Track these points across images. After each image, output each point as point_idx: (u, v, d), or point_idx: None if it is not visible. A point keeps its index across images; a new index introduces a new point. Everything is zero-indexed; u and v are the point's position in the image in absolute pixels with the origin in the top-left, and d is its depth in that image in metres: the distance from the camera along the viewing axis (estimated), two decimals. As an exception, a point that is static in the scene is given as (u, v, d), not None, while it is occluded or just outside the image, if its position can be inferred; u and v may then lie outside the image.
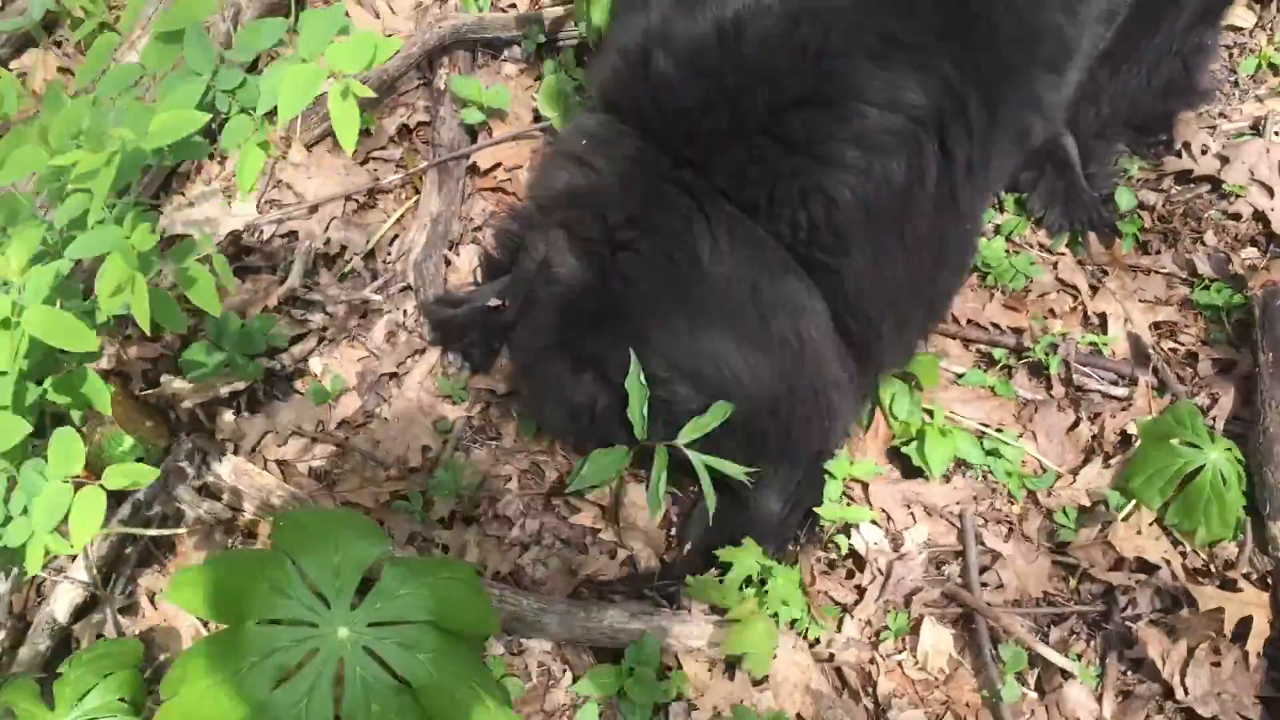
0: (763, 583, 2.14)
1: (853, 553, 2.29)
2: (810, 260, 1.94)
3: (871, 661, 2.17)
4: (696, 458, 1.95)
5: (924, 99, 1.80)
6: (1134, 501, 2.28)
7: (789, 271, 1.94)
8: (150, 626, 2.21)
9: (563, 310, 2.04)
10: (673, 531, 2.34)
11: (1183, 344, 2.57)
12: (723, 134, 1.88)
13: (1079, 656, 2.17)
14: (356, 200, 2.76)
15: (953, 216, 1.99)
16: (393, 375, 2.52)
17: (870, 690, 2.15)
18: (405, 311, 2.60)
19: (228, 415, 2.44)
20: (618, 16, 2.19)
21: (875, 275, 1.98)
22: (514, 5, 3.09)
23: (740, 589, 2.15)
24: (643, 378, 1.93)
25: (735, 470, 1.99)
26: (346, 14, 3.05)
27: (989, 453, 2.38)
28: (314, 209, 2.71)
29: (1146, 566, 2.26)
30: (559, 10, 2.96)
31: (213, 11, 1.63)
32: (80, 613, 2.20)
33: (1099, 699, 2.11)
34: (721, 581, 2.14)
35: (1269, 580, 2.19)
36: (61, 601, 2.17)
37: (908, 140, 1.80)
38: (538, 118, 2.90)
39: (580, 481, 2.02)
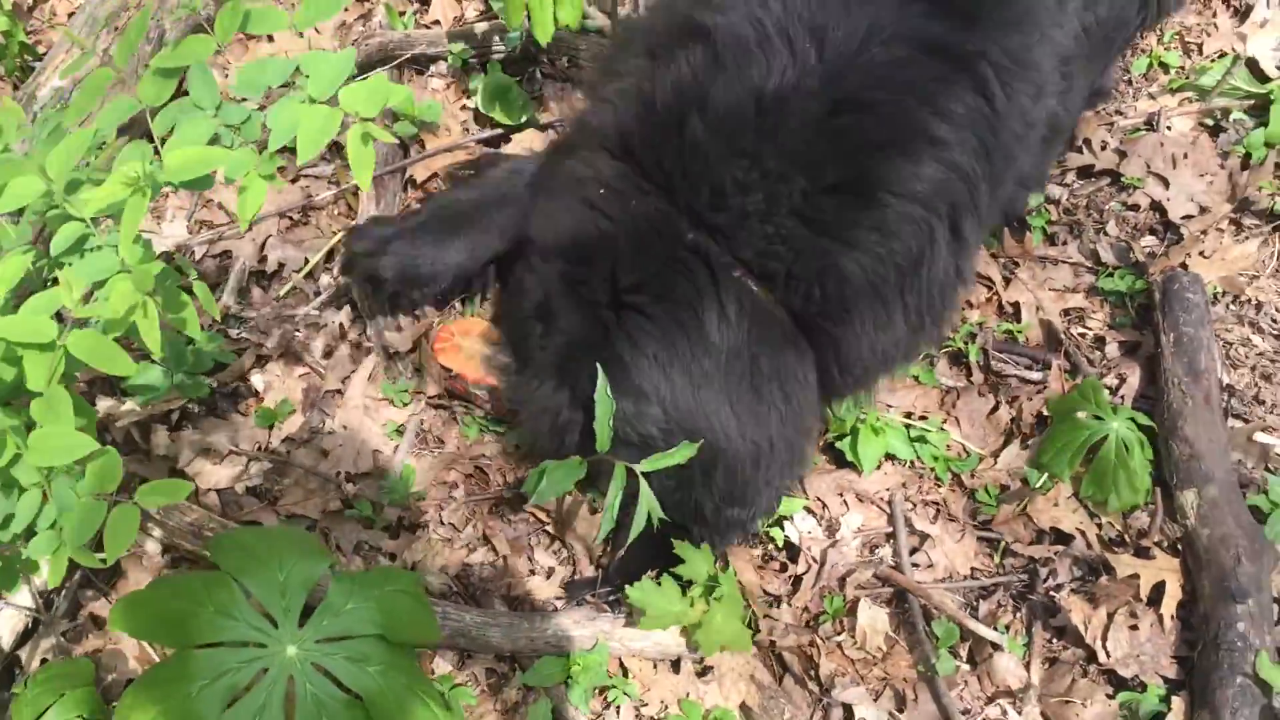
0: (711, 589, 2.17)
1: (788, 544, 2.38)
2: (813, 326, 2.04)
3: (812, 644, 2.26)
4: (646, 490, 1.97)
5: (944, 191, 1.93)
6: (1050, 477, 2.39)
7: (788, 345, 2.02)
8: (95, 649, 2.21)
9: (562, 355, 2.07)
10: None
11: (1091, 329, 2.71)
12: (755, 210, 1.93)
13: (1007, 628, 2.28)
14: (290, 217, 2.78)
15: (952, 283, 2.12)
16: (337, 392, 2.54)
17: (813, 673, 2.23)
18: (342, 325, 2.63)
19: (162, 434, 2.44)
20: (641, 62, 2.15)
21: (871, 339, 2.08)
22: (437, 22, 3.15)
23: (685, 595, 2.17)
24: (609, 391, 1.96)
25: (657, 512, 2.03)
26: (270, 38, 3.08)
27: (916, 439, 2.48)
28: (249, 228, 2.73)
29: (1064, 538, 2.38)
30: (484, 25, 3.01)
31: (212, 53, 1.65)
32: (23, 638, 2.19)
33: (1027, 666, 2.22)
34: (659, 583, 2.16)
35: (1179, 547, 2.33)
36: (4, 627, 2.16)
37: (923, 227, 1.94)
38: (467, 129, 2.96)
39: (539, 496, 2.06)
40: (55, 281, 1.73)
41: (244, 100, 1.70)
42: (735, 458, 2.07)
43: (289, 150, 1.72)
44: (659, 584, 2.16)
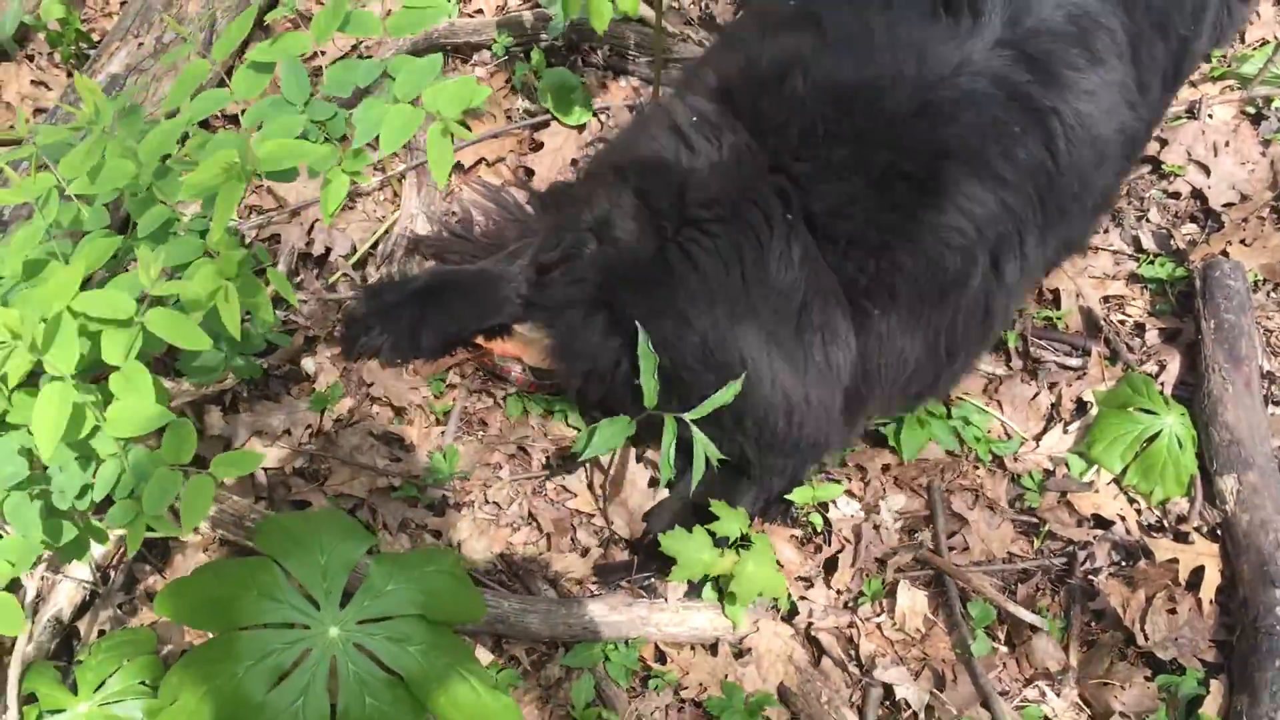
0: (743, 545, 2.23)
1: (827, 526, 2.41)
2: (858, 305, 2.07)
3: (851, 625, 2.29)
4: (698, 434, 2.04)
5: (993, 223, 2.01)
6: (1094, 466, 2.42)
7: (839, 305, 2.05)
8: (151, 622, 2.27)
9: (609, 270, 2.10)
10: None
11: (1130, 315, 2.72)
12: (838, 167, 1.99)
13: (1045, 610, 2.29)
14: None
15: (978, 317, 2.15)
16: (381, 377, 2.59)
17: (853, 653, 2.26)
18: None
19: (216, 414, 2.50)
20: (748, 36, 2.25)
21: (902, 340, 2.11)
22: (481, 11, 3.18)
23: (717, 547, 2.22)
24: (651, 346, 2.01)
25: (715, 454, 2.10)
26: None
27: (959, 420, 2.50)
28: (295, 213, 2.78)
29: (1104, 523, 2.40)
30: (529, 14, 3.05)
31: (307, 51, 1.70)
32: (80, 611, 2.25)
33: (1065, 649, 2.24)
34: (690, 531, 2.21)
35: (1218, 532, 2.34)
36: (64, 599, 2.22)
37: (969, 249, 2.01)
38: (510, 116, 3.00)
39: (591, 450, 2.11)
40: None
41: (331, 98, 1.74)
42: (766, 404, 2.10)
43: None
44: (690, 534, 2.21)
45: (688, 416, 2.07)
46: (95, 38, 3.06)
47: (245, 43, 3.05)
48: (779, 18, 2.24)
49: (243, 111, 1.78)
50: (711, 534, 2.22)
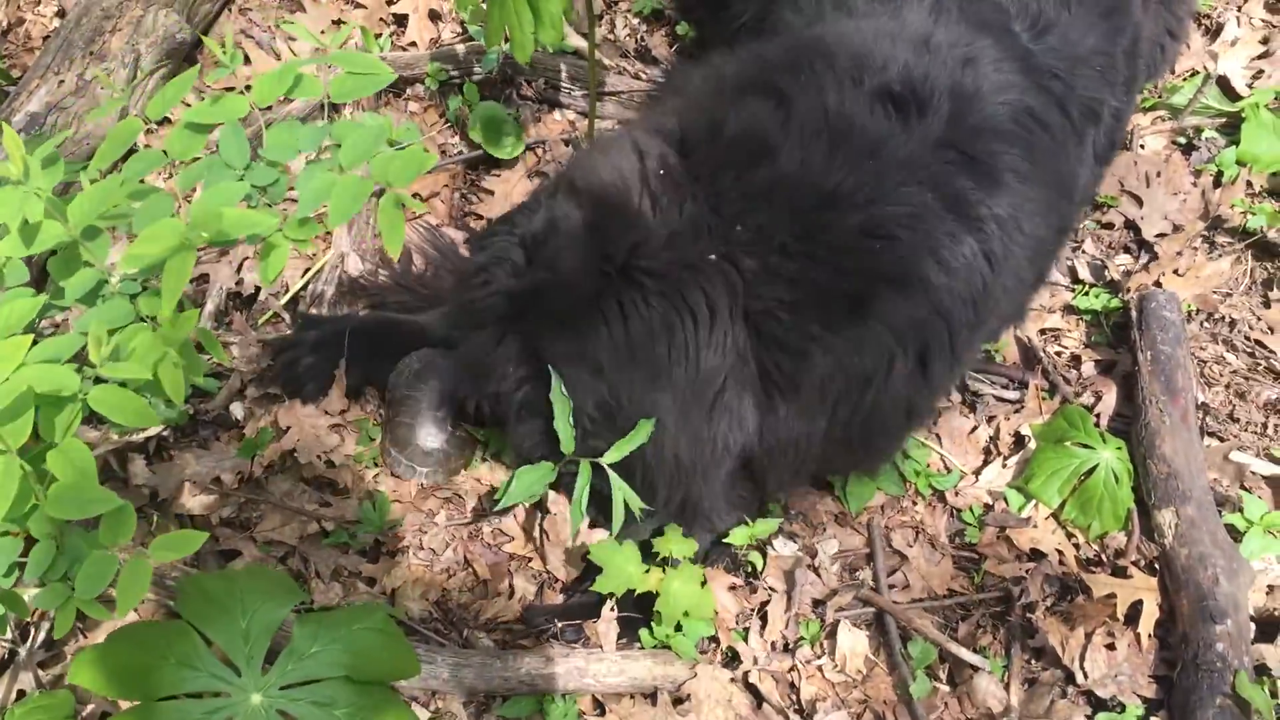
0: (666, 562, 2.23)
1: (767, 568, 2.38)
2: (767, 393, 2.11)
3: (791, 669, 2.26)
4: (616, 480, 2.02)
5: (920, 330, 2.08)
6: (1032, 500, 2.41)
7: (751, 393, 2.09)
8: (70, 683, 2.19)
9: (535, 296, 2.09)
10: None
11: (1067, 347, 2.73)
12: (784, 278, 2.02)
13: (986, 649, 2.28)
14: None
15: (898, 415, 2.21)
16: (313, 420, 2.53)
17: (794, 698, 2.23)
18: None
19: (140, 463, 2.42)
20: (706, 90, 2.32)
21: (800, 426, 2.15)
22: (414, 44, 3.14)
23: (642, 563, 2.23)
24: (564, 390, 2.01)
25: (636, 503, 2.08)
26: (246, 59, 3.08)
27: (900, 453, 2.49)
28: (224, 251, 2.72)
29: (1041, 558, 2.39)
30: (461, 47, 3.02)
31: (245, 113, 1.66)
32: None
33: (1006, 687, 2.22)
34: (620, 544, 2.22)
35: (1156, 565, 2.34)
36: (-20, 659, 2.14)
37: (884, 354, 2.08)
38: (444, 151, 2.96)
39: (509, 498, 2.10)
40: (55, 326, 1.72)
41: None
42: (655, 465, 2.13)
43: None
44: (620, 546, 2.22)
45: (603, 460, 2.05)
46: (15, 74, 2.98)
47: (169, 80, 3.00)
48: (736, 80, 2.26)
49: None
50: (654, 554, 2.23)
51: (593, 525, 2.41)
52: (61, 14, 3.14)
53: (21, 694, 2.15)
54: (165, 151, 1.66)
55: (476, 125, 2.91)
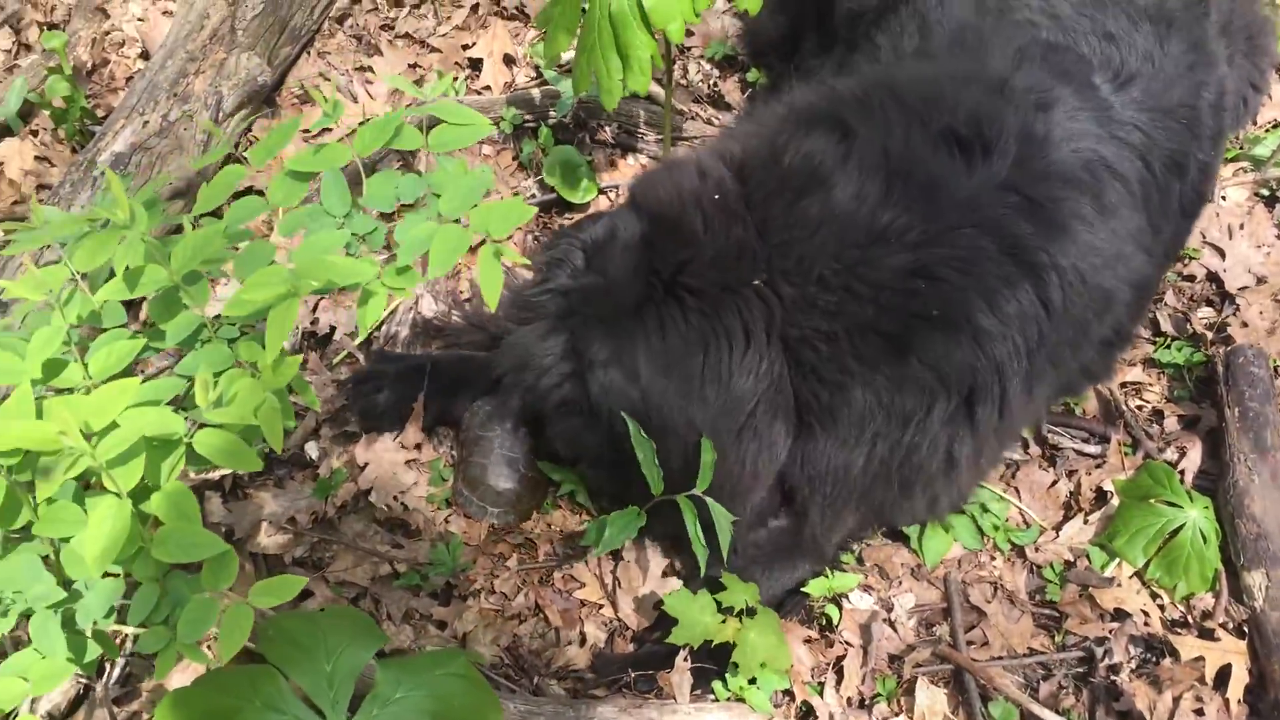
0: (748, 614, 2.19)
1: (843, 621, 2.34)
2: (805, 421, 2.13)
3: (867, 726, 2.21)
4: (719, 510, 2.02)
5: (967, 375, 2.05)
6: (1116, 559, 2.36)
7: (784, 420, 2.10)
8: (147, 713, 2.19)
9: (586, 296, 2.13)
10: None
11: (1148, 401, 2.67)
12: (822, 309, 2.03)
13: (1069, 711, 2.22)
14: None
15: (937, 460, 2.16)
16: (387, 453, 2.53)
17: (869, 754, 2.19)
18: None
19: (216, 501, 2.44)
20: (777, 117, 2.31)
21: (840, 457, 2.14)
22: (488, 88, 3.17)
23: (718, 614, 2.19)
24: (643, 433, 2.02)
25: (726, 521, 2.07)
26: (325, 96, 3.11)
27: (978, 506, 2.46)
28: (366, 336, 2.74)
29: (1125, 618, 2.33)
30: (536, 91, 3.04)
31: (347, 162, 1.69)
32: (74, 706, 2.18)
33: (1091, 752, 2.16)
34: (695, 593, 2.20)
35: (1245, 629, 2.27)
36: (58, 694, 2.14)
37: (926, 395, 2.06)
38: (517, 192, 2.98)
39: (604, 545, 2.10)
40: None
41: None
42: (681, 479, 2.12)
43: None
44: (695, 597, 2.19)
45: (698, 490, 2.05)
46: (100, 114, 3.05)
47: (251, 121, 3.05)
48: (805, 111, 2.27)
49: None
50: (718, 603, 2.19)
51: (666, 572, 2.40)
52: (145, 56, 3.21)
53: (95, 730, 2.16)
54: (266, 198, 1.68)
55: (554, 170, 2.93)
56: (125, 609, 1.57)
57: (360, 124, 3.05)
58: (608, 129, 3.07)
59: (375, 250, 1.64)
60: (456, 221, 1.56)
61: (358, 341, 2.68)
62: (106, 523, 1.37)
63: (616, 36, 2.23)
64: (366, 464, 2.46)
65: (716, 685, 2.20)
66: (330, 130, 3.06)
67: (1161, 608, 2.35)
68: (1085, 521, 2.47)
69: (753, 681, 2.18)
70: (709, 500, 2.03)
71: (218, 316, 1.68)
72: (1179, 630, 2.31)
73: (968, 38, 2.49)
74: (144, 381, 1.70)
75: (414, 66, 3.22)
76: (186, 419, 1.52)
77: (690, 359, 2.05)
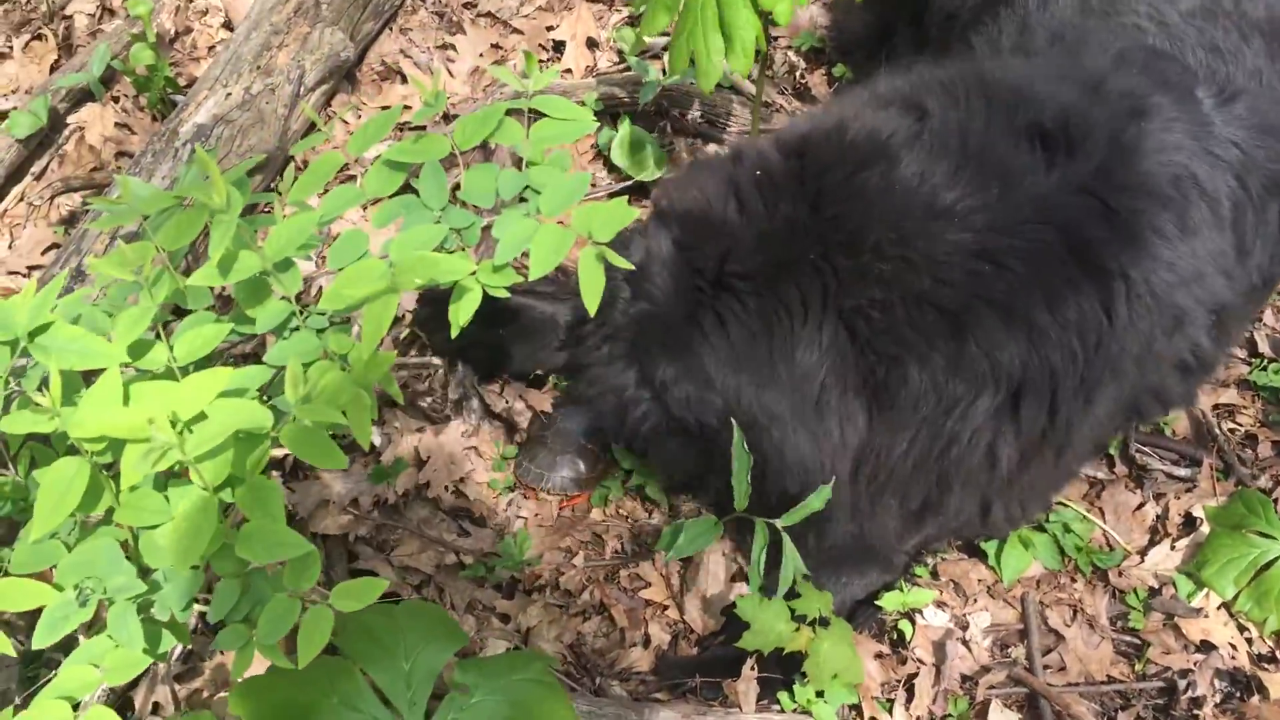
0: (821, 623, 2.12)
1: (915, 637, 2.27)
2: (869, 399, 2.03)
3: (938, 747, 2.15)
4: (789, 547, 1.94)
5: (1017, 371, 1.95)
6: (1204, 589, 2.27)
7: (855, 394, 2.01)
8: (207, 696, 2.18)
9: (641, 324, 2.08)
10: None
11: (1241, 425, 2.57)
12: (877, 278, 1.94)
13: (1148, 744, 2.14)
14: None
15: (977, 455, 2.05)
16: (446, 436, 2.50)
17: (938, 776, 2.12)
18: (461, 371, 2.59)
19: (275, 479, 2.40)
20: (870, 99, 2.22)
21: (893, 440, 2.05)
22: (569, 71, 3.12)
23: (791, 622, 2.12)
24: (746, 445, 1.94)
25: (800, 567, 1.99)
26: (403, 77, 3.08)
27: (1060, 525, 2.38)
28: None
29: (1211, 650, 2.24)
30: (618, 75, 2.98)
31: (446, 154, 1.66)
32: (135, 680, 2.17)
33: (1172, 789, 2.09)
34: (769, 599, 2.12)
35: (1340, 670, 2.18)
36: (119, 668, 2.14)
37: (975, 383, 1.96)
38: (594, 184, 2.92)
39: (677, 551, 2.03)
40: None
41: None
42: (784, 466, 2.06)
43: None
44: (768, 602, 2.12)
45: (779, 523, 1.97)
46: (182, 83, 3.04)
47: (331, 95, 3.02)
48: (886, 93, 2.20)
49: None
50: (791, 610, 2.12)
51: (734, 577, 2.35)
52: (228, 25, 3.19)
53: (157, 706, 2.15)
54: (361, 186, 1.64)
55: (620, 148, 2.87)
56: (202, 600, 1.55)
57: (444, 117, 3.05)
58: (688, 117, 3.00)
59: (472, 246, 1.60)
60: (558, 221, 1.52)
61: (435, 351, 2.63)
62: (192, 518, 1.34)
63: (721, 14, 2.17)
64: (428, 456, 2.43)
65: (783, 696, 2.14)
66: (409, 108, 3.03)
67: (1250, 641, 2.25)
68: (1172, 548, 2.37)
69: (820, 694, 2.12)
70: (784, 533, 1.95)
71: (304, 305, 1.65)
72: (1267, 666, 2.22)
73: (1068, 37, 2.40)
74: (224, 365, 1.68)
75: (496, 47, 3.17)
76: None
77: (757, 345, 1.99)
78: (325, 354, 1.59)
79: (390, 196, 1.73)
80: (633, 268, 1.54)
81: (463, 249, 1.61)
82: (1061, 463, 2.22)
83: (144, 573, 1.48)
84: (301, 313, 1.68)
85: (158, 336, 1.65)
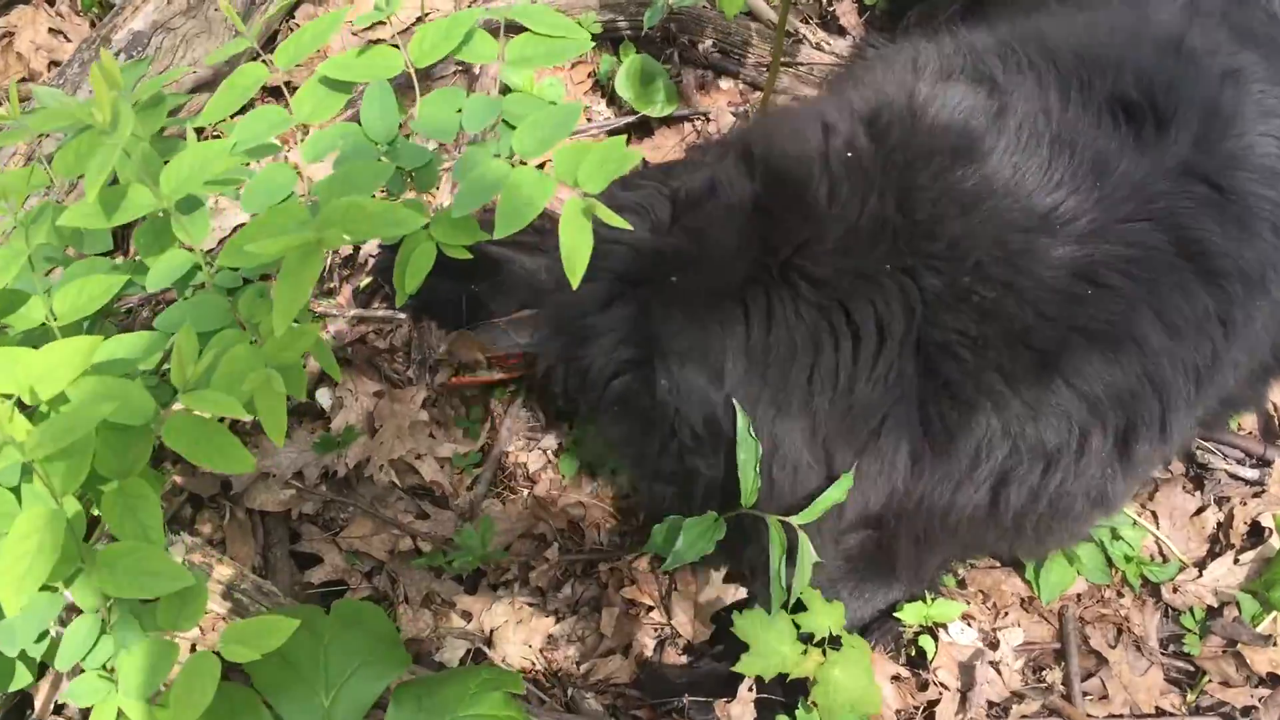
0: (833, 646, 1.83)
1: (938, 656, 1.97)
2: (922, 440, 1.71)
3: (961, 782, 1.86)
4: (805, 540, 1.63)
5: (1127, 403, 1.65)
6: (1272, 613, 1.97)
7: (907, 442, 1.67)
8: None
9: (672, 263, 1.67)
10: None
11: (1317, 420, 2.26)
12: (975, 307, 1.61)
13: (1204, 791, 1.86)
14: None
15: (1082, 502, 1.74)
16: (403, 403, 2.19)
17: (961, 816, 1.84)
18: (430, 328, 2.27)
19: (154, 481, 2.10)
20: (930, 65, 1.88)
21: (945, 490, 1.73)
22: (566, -12, 2.76)
23: (798, 643, 1.83)
24: (752, 431, 1.60)
25: (809, 562, 1.68)
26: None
27: (1108, 531, 2.07)
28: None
29: (1277, 684, 1.96)
30: (621, -3, 2.63)
31: (398, 72, 1.33)
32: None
33: (1231, 846, 1.80)
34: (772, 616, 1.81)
35: None
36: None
37: (1074, 429, 1.66)
38: (590, 118, 2.58)
39: (675, 559, 1.69)
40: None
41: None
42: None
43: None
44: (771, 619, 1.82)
45: (795, 520, 1.65)
46: (124, -15, 2.67)
47: (294, 6, 2.67)
48: (941, 63, 1.84)
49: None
50: (797, 626, 1.83)
51: (729, 578, 2.05)
52: (183, -78, 2.82)
53: (61, 707, 1.86)
54: (290, 109, 1.31)
55: (627, 79, 2.52)
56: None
57: (417, 21, 2.70)
58: (700, 46, 2.65)
59: (426, 191, 1.27)
60: (538, 165, 1.19)
61: (399, 305, 2.30)
62: (30, 536, 1.02)
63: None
64: (383, 422, 2.12)
65: (783, 720, 1.85)
66: (380, 25, 2.67)
67: (1321, 675, 1.96)
68: (1236, 561, 2.07)
69: (827, 722, 1.83)
70: (802, 535, 1.63)
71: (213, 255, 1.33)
72: (1340, 704, 1.93)
73: None
74: (120, 327, 1.36)
75: (484, -41, 2.81)
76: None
77: (795, 364, 1.62)
78: (238, 322, 1.26)
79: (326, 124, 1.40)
80: (630, 228, 1.18)
81: (416, 194, 1.28)
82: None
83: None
84: (210, 266, 1.36)
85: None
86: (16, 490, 1.17)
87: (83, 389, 1.13)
